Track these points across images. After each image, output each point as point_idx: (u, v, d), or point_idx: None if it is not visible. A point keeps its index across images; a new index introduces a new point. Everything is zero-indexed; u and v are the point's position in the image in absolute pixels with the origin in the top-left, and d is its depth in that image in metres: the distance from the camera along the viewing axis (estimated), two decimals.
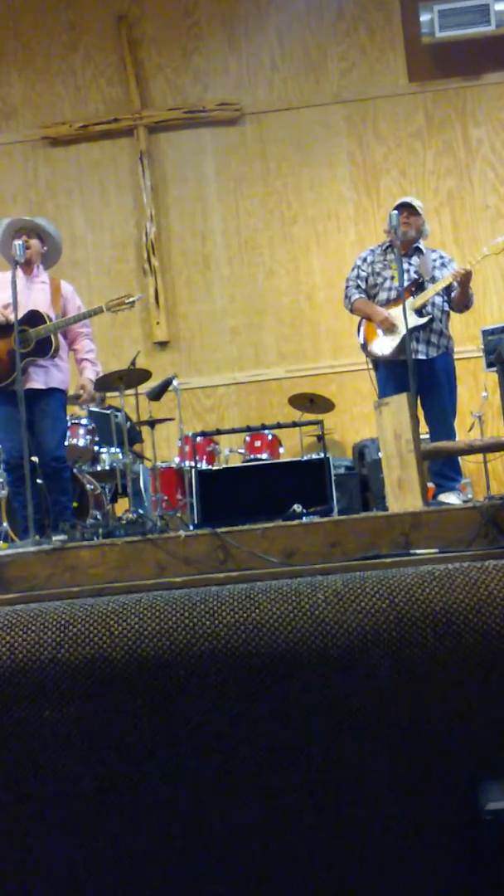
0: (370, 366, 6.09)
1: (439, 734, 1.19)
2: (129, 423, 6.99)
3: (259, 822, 1.25)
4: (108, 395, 7.62)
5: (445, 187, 8.99)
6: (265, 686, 1.17)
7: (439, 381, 5.87)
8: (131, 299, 5.94)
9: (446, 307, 5.97)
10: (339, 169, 9.07)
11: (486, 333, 7.60)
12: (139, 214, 9.10)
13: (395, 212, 5.73)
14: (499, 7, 8.56)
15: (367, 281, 6.06)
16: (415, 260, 5.91)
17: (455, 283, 5.81)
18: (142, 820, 1.26)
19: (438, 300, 5.87)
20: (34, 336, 5.59)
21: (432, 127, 9.01)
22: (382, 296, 5.98)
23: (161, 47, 9.16)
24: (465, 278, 5.76)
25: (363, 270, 6.09)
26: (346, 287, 6.13)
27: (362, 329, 6.04)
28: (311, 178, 9.07)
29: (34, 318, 5.63)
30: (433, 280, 5.90)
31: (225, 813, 1.25)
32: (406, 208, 5.92)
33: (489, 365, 7.40)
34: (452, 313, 6.10)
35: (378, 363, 6.00)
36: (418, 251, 5.97)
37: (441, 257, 6.10)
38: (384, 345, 5.87)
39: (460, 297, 5.89)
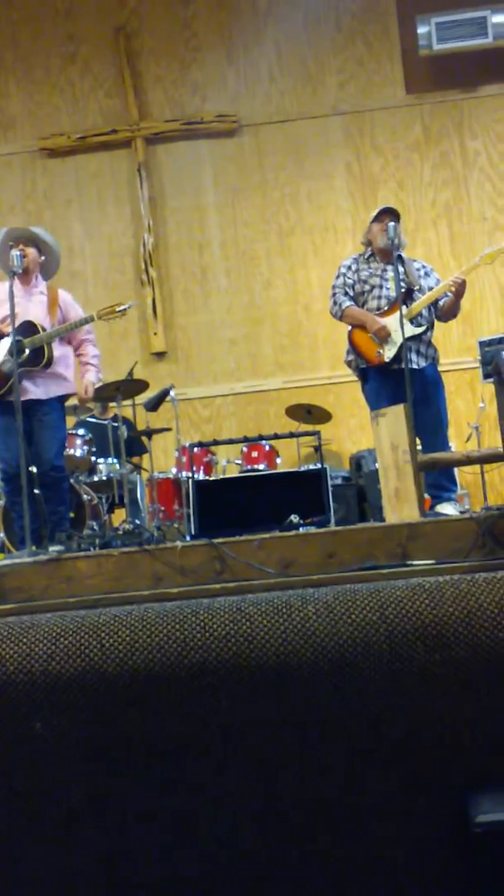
0: (357, 375, 6.06)
1: (430, 746, 1.19)
2: (127, 434, 6.99)
3: (250, 833, 1.25)
4: (109, 405, 7.64)
5: (442, 199, 9.01)
6: (256, 698, 1.18)
7: (431, 391, 5.86)
8: (122, 307, 5.92)
9: (433, 318, 5.96)
10: (337, 180, 9.09)
11: (482, 344, 7.62)
12: (137, 225, 9.12)
13: (393, 223, 5.72)
14: (496, 20, 8.60)
15: (353, 289, 6.01)
16: (400, 268, 5.87)
17: (449, 293, 5.80)
18: (132, 830, 1.26)
19: (425, 311, 5.86)
20: (28, 346, 5.59)
21: (429, 139, 9.04)
22: (372, 304, 5.92)
23: (159, 59, 9.20)
24: (461, 287, 5.76)
25: (349, 278, 6.02)
26: (334, 294, 6.05)
27: (352, 338, 5.97)
28: (309, 189, 9.10)
29: (28, 328, 5.63)
30: (420, 289, 5.89)
31: (216, 824, 1.25)
32: (391, 214, 5.90)
33: (486, 376, 7.41)
34: (441, 325, 6.10)
35: (367, 375, 5.96)
36: (400, 259, 5.94)
37: (423, 266, 6.09)
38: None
39: (451, 306, 5.87)
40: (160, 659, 1.16)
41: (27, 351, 5.56)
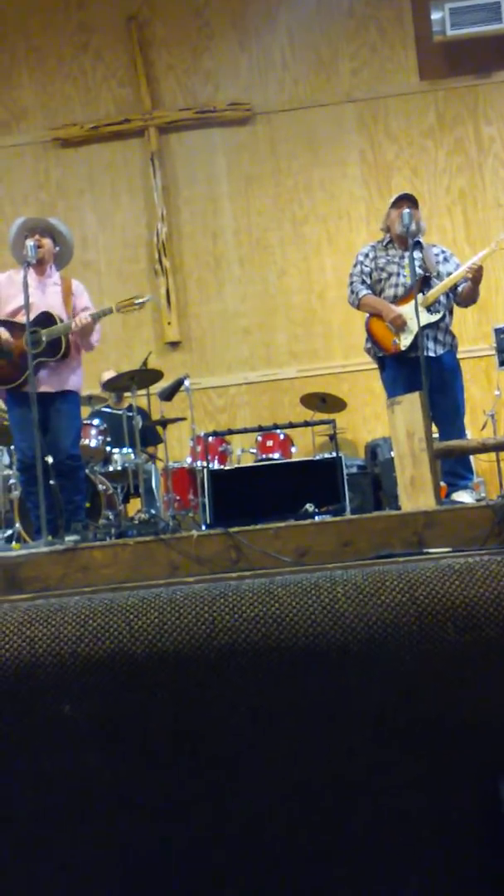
0: (376, 363, 6.05)
1: (460, 728, 1.19)
2: (142, 424, 7.00)
3: (277, 820, 1.25)
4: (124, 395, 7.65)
5: (457, 185, 8.97)
6: (285, 681, 1.17)
7: (449, 379, 5.83)
8: (141, 300, 5.92)
9: (451, 304, 5.93)
10: (351, 168, 9.06)
11: (498, 332, 7.58)
12: (150, 215, 9.11)
13: (408, 210, 5.70)
14: None
15: (370, 276, 5.98)
16: (417, 254, 5.83)
17: (467, 280, 5.77)
18: (158, 816, 1.26)
19: (443, 298, 5.82)
20: (45, 337, 5.58)
21: (444, 125, 8.99)
22: (389, 292, 5.89)
23: (171, 48, 9.17)
24: (478, 274, 5.73)
25: (366, 266, 5.99)
26: (351, 283, 6.03)
27: (369, 326, 5.96)
28: (323, 177, 9.07)
29: (46, 319, 5.62)
30: (438, 275, 5.85)
31: (243, 809, 1.25)
32: (409, 201, 5.87)
33: (502, 363, 7.38)
34: (456, 312, 6.06)
35: (385, 362, 5.94)
36: (419, 245, 5.91)
37: (442, 252, 6.04)
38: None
39: (470, 292, 5.83)
40: (189, 641, 1.15)
41: (44, 342, 5.55)
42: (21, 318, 5.52)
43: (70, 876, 1.27)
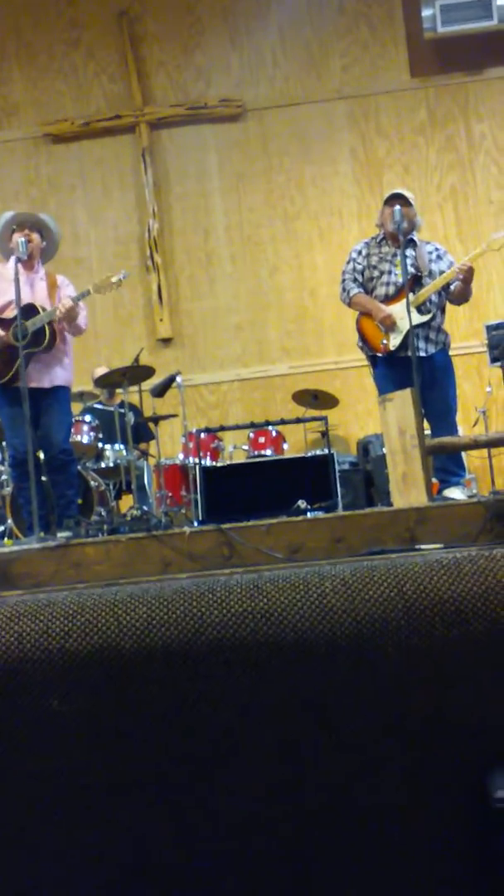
0: (368, 361, 6.05)
1: (449, 722, 1.19)
2: (134, 421, 6.99)
3: (269, 816, 1.25)
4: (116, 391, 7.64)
5: (448, 182, 8.97)
6: (273, 675, 1.18)
7: (440, 378, 5.83)
8: (117, 277, 5.92)
9: (443, 303, 5.92)
10: (342, 165, 9.05)
11: (489, 329, 7.59)
12: (141, 211, 9.10)
13: (398, 207, 5.69)
14: (501, 2, 8.54)
15: (363, 274, 5.96)
16: (410, 252, 5.82)
17: (458, 279, 5.76)
18: (149, 811, 1.26)
19: (435, 297, 5.82)
20: (30, 327, 5.58)
21: (435, 122, 8.99)
22: (380, 290, 5.87)
23: (163, 44, 9.15)
24: (468, 274, 5.72)
25: (359, 263, 5.97)
26: (343, 280, 6.01)
27: (360, 325, 5.95)
28: (314, 174, 9.06)
29: (29, 310, 5.62)
30: (430, 274, 5.84)
31: (233, 804, 1.25)
32: (399, 200, 5.85)
33: (493, 360, 7.39)
34: (448, 309, 6.05)
35: (376, 360, 5.94)
36: (412, 243, 5.89)
37: (436, 249, 6.03)
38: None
39: (462, 291, 5.83)
40: (177, 636, 1.16)
41: (29, 333, 5.55)
42: (8, 314, 5.55)
43: (62, 868, 1.27)
